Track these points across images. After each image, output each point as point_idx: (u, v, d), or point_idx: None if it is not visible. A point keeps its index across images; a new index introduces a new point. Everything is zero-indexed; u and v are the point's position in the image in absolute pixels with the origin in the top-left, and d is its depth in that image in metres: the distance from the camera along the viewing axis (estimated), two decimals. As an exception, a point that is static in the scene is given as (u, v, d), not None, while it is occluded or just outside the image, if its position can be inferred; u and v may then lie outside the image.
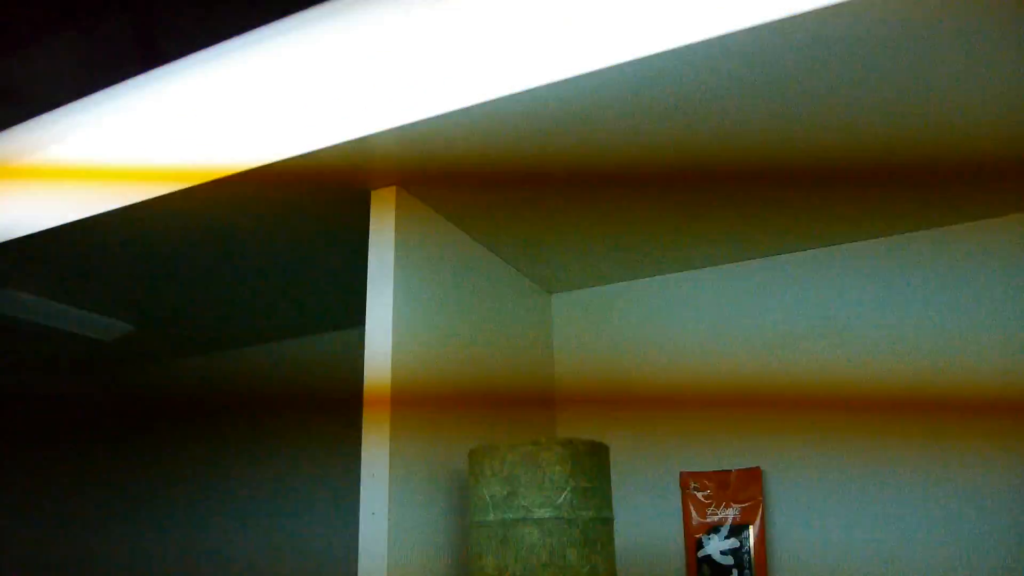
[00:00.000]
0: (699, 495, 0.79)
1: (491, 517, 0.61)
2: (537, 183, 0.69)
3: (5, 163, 0.82)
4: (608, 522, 0.62)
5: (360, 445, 0.63)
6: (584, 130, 0.60)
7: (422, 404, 0.66)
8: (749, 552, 0.75)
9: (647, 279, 0.91)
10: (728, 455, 0.82)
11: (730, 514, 0.77)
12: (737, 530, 0.76)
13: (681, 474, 0.80)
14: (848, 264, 0.81)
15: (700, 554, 0.76)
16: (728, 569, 0.75)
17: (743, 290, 0.85)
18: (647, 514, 0.84)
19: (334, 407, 1.08)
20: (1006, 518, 0.69)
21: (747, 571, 0.74)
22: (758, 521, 0.76)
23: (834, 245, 0.82)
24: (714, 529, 0.77)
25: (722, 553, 0.76)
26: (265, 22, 0.67)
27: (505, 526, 0.60)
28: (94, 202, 0.74)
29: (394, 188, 0.69)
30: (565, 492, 0.60)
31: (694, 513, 0.78)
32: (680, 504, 0.81)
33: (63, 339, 1.10)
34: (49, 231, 0.76)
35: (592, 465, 0.62)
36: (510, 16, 0.56)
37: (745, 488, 0.77)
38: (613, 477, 0.86)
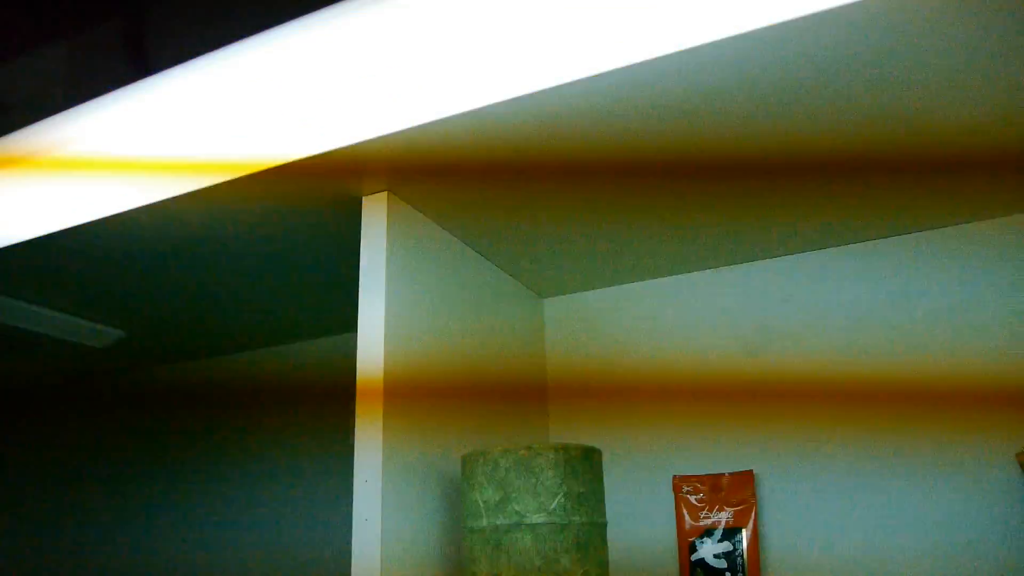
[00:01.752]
0: (692, 499, 0.79)
1: (484, 523, 0.61)
2: (528, 188, 0.69)
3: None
4: (601, 527, 0.62)
5: (353, 450, 0.62)
6: (574, 135, 0.60)
7: (415, 409, 0.66)
8: (742, 555, 0.75)
9: (639, 283, 0.91)
10: (720, 458, 0.82)
11: (723, 517, 0.77)
12: (730, 533, 0.76)
13: (674, 478, 0.81)
14: (838, 267, 0.81)
15: (693, 558, 0.76)
16: (721, 572, 0.75)
17: (734, 294, 0.85)
18: (640, 518, 0.84)
19: (326, 412, 1.08)
20: (998, 520, 0.70)
21: (740, 574, 0.74)
22: (751, 524, 0.76)
23: (824, 248, 0.82)
24: (707, 532, 0.77)
25: (715, 556, 0.76)
26: (256, 30, 0.67)
27: (498, 532, 0.60)
28: (84, 209, 0.73)
29: (385, 194, 0.69)
30: (558, 497, 0.60)
31: (687, 517, 0.78)
32: (673, 508, 0.82)
33: (54, 345, 1.09)
34: (39, 238, 0.76)
35: (585, 470, 0.62)
36: (498, 23, 0.57)
37: (738, 491, 0.77)
38: (606, 481, 0.86)
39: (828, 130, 0.60)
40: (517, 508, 0.60)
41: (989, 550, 0.69)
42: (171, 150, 0.70)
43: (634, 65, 0.52)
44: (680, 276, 0.89)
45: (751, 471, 0.78)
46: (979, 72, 0.53)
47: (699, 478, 0.79)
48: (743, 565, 0.74)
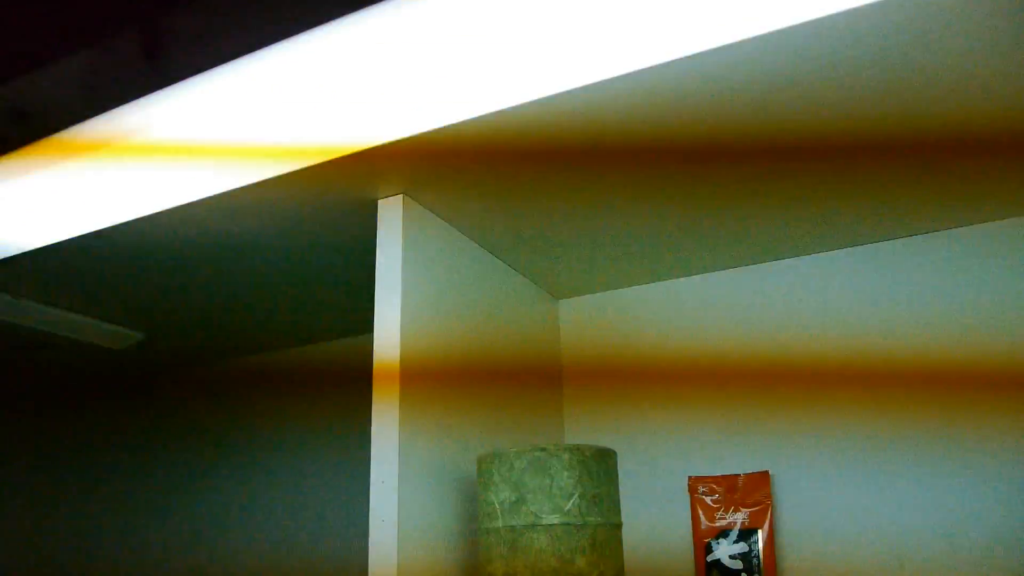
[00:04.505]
0: (708, 499, 0.79)
1: (500, 523, 0.61)
2: (543, 190, 0.69)
3: (20, 180, 0.83)
4: (616, 527, 0.62)
5: (370, 452, 0.63)
6: (587, 139, 0.60)
7: (431, 411, 0.67)
8: (758, 556, 0.75)
9: (653, 284, 0.91)
10: (736, 459, 0.82)
11: (739, 518, 0.77)
12: (746, 534, 0.76)
13: (689, 479, 0.81)
14: (853, 268, 0.81)
15: (709, 558, 0.77)
16: (737, 573, 0.75)
17: (749, 294, 0.85)
18: (656, 519, 0.84)
19: (343, 414, 1.09)
20: (1019, 515, 0.69)
21: (756, 575, 0.74)
22: (767, 525, 0.76)
23: (839, 249, 0.82)
24: (723, 533, 0.77)
25: (731, 557, 0.76)
26: (273, 37, 0.67)
27: (514, 532, 0.60)
28: (104, 214, 0.74)
29: (400, 197, 0.69)
30: (573, 498, 0.60)
31: (703, 517, 0.78)
32: (689, 509, 0.82)
33: (74, 347, 1.10)
34: (60, 243, 0.77)
35: (600, 471, 0.62)
36: (514, 28, 0.57)
37: (754, 492, 0.77)
38: (621, 482, 0.86)
39: (842, 130, 0.60)
40: (532, 509, 0.60)
41: (1010, 546, 0.69)
42: (189, 156, 0.71)
43: (649, 68, 0.52)
44: (694, 277, 0.89)
45: (767, 472, 0.78)
46: (995, 67, 0.53)
47: (715, 479, 0.79)
48: (759, 566, 0.74)
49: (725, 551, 0.76)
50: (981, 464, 0.72)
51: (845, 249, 0.82)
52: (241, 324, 1.05)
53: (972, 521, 0.71)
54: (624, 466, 0.87)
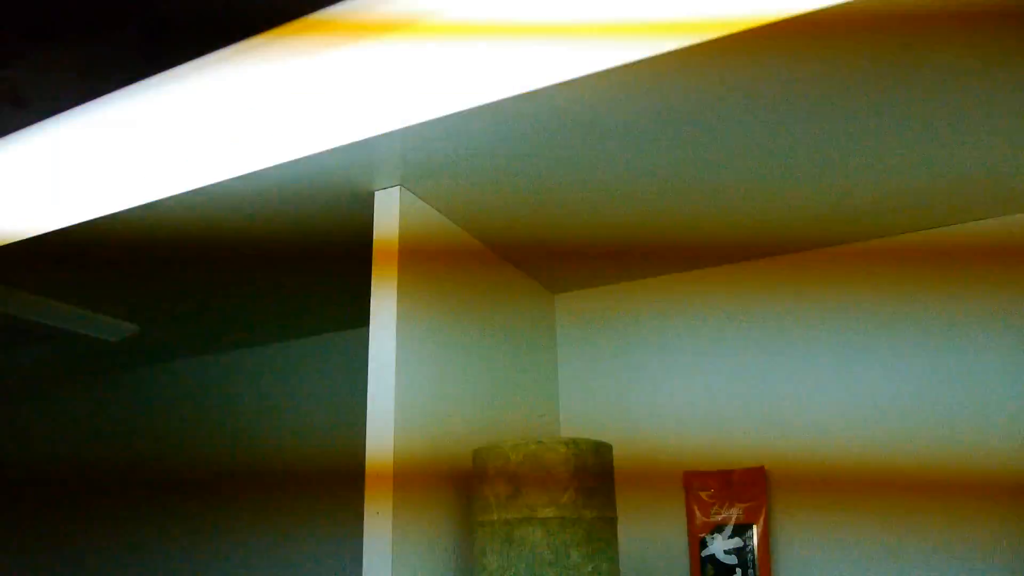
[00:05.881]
0: (703, 495, 0.79)
1: (495, 516, 0.61)
2: (541, 184, 0.69)
3: (14, 167, 0.83)
4: (611, 521, 0.62)
5: (364, 445, 0.63)
6: (587, 132, 0.60)
7: (426, 404, 0.66)
8: (753, 551, 0.75)
9: (651, 279, 0.91)
10: (732, 454, 0.82)
11: (734, 513, 0.77)
12: (741, 529, 0.76)
13: (685, 474, 0.81)
14: (850, 264, 0.81)
15: (704, 553, 0.77)
16: (732, 568, 0.75)
17: (747, 290, 0.85)
18: (651, 514, 0.84)
19: (337, 407, 1.08)
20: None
21: (751, 570, 0.74)
22: (762, 520, 0.76)
23: (837, 245, 0.82)
24: (718, 528, 0.77)
25: (726, 552, 0.76)
26: (269, 24, 0.67)
27: (509, 525, 0.60)
28: (101, 204, 0.74)
29: (397, 188, 0.69)
30: (568, 491, 0.60)
31: (698, 513, 0.78)
32: (684, 504, 0.82)
33: (69, 339, 1.10)
34: (55, 232, 0.77)
35: (595, 464, 0.62)
36: (512, 15, 0.57)
37: (749, 488, 0.77)
38: (616, 476, 0.86)
39: (837, 132, 0.60)
40: (528, 502, 0.60)
41: (1012, 550, 0.69)
42: (185, 146, 0.70)
43: (644, 59, 0.52)
44: (692, 272, 0.89)
45: (762, 467, 0.78)
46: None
47: (710, 474, 0.79)
48: (753, 561, 0.74)
49: (720, 546, 0.76)
50: (981, 465, 0.72)
51: (847, 245, 0.82)
52: (237, 317, 1.04)
53: (971, 518, 0.71)
54: (619, 460, 0.87)
